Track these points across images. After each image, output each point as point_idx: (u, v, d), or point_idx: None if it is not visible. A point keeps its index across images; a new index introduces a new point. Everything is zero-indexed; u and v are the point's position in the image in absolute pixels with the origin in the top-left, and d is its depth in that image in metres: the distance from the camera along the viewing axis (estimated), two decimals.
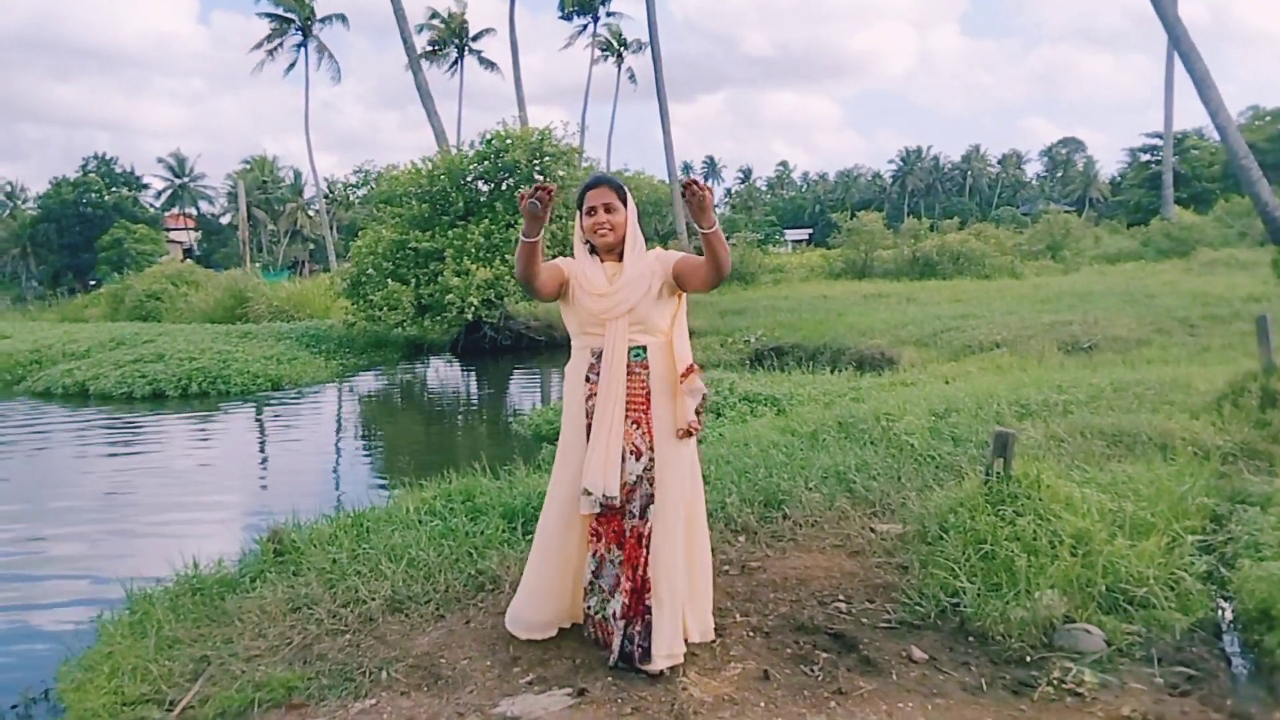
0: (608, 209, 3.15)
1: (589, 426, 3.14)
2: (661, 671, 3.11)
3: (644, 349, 3.12)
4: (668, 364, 3.16)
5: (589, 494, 3.07)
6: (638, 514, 3.13)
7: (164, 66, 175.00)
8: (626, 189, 3.22)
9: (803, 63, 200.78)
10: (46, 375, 16.43)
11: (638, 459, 3.11)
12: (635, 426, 3.11)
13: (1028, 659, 3.23)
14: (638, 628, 3.15)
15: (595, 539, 3.23)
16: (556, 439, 3.37)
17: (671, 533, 3.14)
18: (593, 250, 3.23)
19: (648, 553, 3.13)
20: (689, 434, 3.12)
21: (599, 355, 3.12)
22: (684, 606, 3.24)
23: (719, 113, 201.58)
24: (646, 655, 3.13)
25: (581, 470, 3.14)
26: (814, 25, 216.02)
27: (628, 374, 3.10)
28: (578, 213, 3.23)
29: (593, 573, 3.25)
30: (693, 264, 3.14)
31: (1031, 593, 3.45)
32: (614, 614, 3.19)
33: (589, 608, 3.30)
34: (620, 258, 3.18)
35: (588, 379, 3.16)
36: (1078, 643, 3.26)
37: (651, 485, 3.12)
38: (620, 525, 3.16)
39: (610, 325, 3.09)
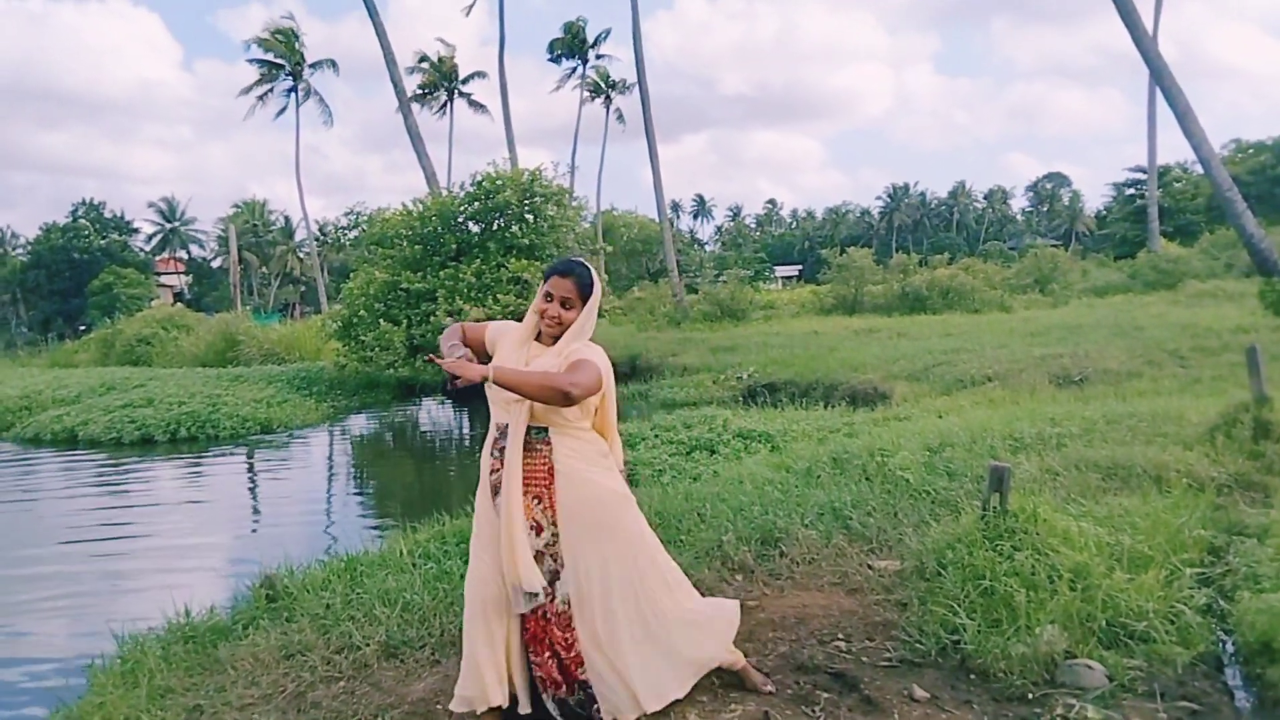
0: (565, 304, 3.04)
1: (495, 505, 3.03)
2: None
3: (545, 429, 3.01)
4: (575, 446, 3.03)
5: (529, 594, 2.94)
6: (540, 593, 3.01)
7: (150, 113, 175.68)
8: (594, 284, 3.09)
9: (783, 103, 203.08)
10: (36, 421, 16.37)
11: (539, 534, 3.00)
12: (536, 501, 3.00)
13: (1030, 696, 3.20)
14: (576, 696, 3.09)
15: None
16: None
17: (602, 602, 3.01)
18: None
19: (572, 631, 3.02)
20: None
21: (503, 431, 3.02)
22: (655, 667, 3.09)
23: (703, 152, 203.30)
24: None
25: (487, 546, 3.05)
26: (791, 67, 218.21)
27: (527, 450, 2.99)
28: (541, 285, 3.11)
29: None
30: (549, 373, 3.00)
31: (1032, 628, 3.43)
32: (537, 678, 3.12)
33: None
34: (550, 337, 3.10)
35: (493, 454, 3.05)
36: (1079, 679, 3.23)
37: (556, 561, 3.02)
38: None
39: (514, 407, 2.97)
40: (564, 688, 3.08)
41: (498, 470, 3.02)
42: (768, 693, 3.25)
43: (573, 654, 3.03)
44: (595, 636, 3.01)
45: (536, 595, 2.94)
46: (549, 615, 3.03)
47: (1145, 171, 45.98)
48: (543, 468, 3.00)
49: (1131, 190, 55.20)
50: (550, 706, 3.10)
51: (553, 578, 3.01)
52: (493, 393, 2.98)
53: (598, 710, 3.04)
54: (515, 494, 2.94)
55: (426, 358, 2.89)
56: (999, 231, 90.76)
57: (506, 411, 3.00)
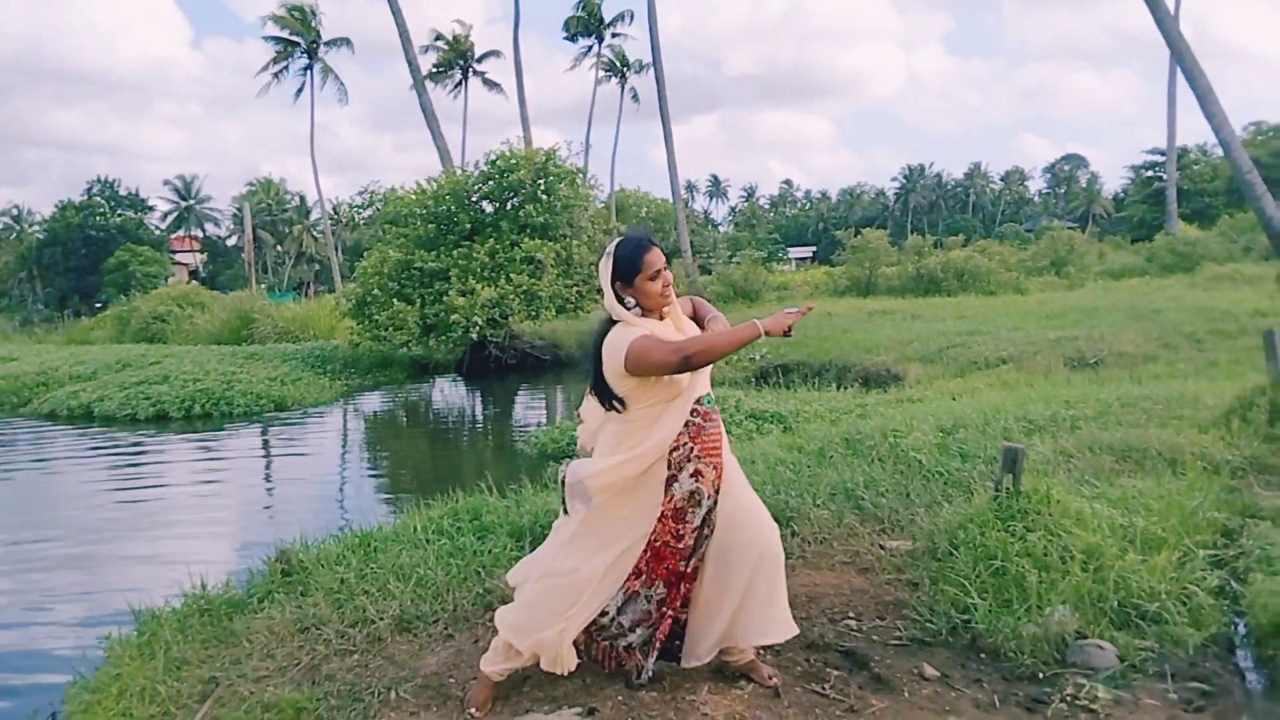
0: (667, 267, 3.07)
1: (682, 471, 3.02)
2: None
3: (711, 395, 3.11)
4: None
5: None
6: (698, 555, 3.10)
7: (161, 91, 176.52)
8: None
9: (792, 83, 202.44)
10: (53, 397, 16.49)
11: (708, 500, 3.06)
12: (714, 470, 3.06)
13: (1040, 675, 3.20)
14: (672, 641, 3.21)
15: (635, 577, 3.08)
16: (563, 458, 3.32)
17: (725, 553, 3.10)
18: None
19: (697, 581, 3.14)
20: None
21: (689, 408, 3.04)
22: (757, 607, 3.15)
23: (713, 132, 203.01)
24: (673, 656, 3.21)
25: (644, 514, 3.05)
26: (800, 46, 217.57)
27: (707, 419, 3.05)
28: (611, 277, 3.03)
29: (616, 608, 3.10)
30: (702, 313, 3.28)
31: (1043, 608, 3.43)
32: (630, 646, 3.13)
33: (600, 639, 3.16)
34: (660, 313, 3.10)
35: (685, 425, 3.04)
36: (1090, 659, 3.23)
37: (711, 528, 3.09)
38: (676, 565, 3.08)
39: (696, 377, 3.02)
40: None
41: (689, 442, 3.03)
42: (772, 684, 3.21)
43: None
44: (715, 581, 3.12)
45: None
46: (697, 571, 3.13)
47: (1164, 153, 45.65)
48: (719, 436, 3.09)
49: (1150, 172, 54.73)
50: (647, 658, 3.17)
51: (707, 541, 3.10)
52: (679, 378, 2.99)
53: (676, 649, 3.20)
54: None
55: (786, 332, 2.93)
56: (1015, 213, 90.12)
57: (682, 385, 3.02)
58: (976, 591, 3.61)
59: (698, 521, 3.05)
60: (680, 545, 3.06)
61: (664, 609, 3.11)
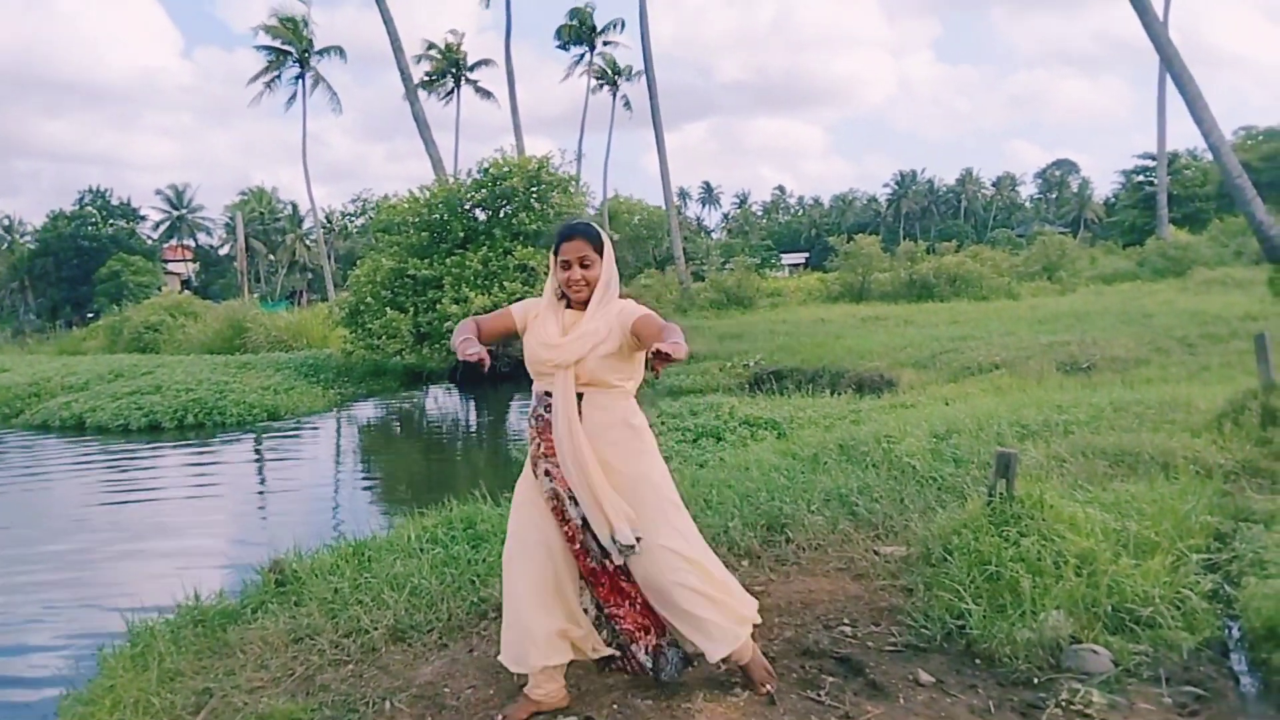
0: (583, 263, 3.03)
1: (538, 468, 3.09)
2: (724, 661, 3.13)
3: (580, 396, 3.01)
4: (605, 412, 3.03)
5: (616, 544, 2.95)
6: (596, 554, 3.06)
7: (151, 101, 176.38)
8: (604, 237, 3.11)
9: (783, 90, 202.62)
10: (45, 408, 16.44)
11: (577, 505, 3.02)
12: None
13: (1035, 680, 3.20)
14: (665, 651, 3.17)
15: (595, 586, 3.16)
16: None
17: (657, 553, 3.00)
18: (562, 295, 3.14)
19: (636, 583, 3.09)
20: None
21: (542, 399, 3.07)
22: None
23: (705, 140, 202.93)
24: (681, 666, 3.19)
25: (532, 518, 3.10)
26: (790, 53, 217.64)
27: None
28: (552, 258, 3.11)
29: (597, 608, 3.20)
30: (652, 329, 2.91)
31: (1037, 614, 3.43)
32: (657, 646, 3.16)
33: (620, 650, 3.23)
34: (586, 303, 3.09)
35: (535, 419, 3.08)
36: (1085, 663, 3.24)
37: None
38: (586, 563, 3.10)
39: (559, 374, 2.99)
40: (652, 631, 3.15)
41: (536, 439, 3.08)
42: (766, 692, 3.17)
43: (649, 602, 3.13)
44: (674, 575, 3.03)
45: (633, 546, 2.95)
46: (610, 570, 3.09)
47: (1154, 158, 45.74)
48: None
49: (1140, 177, 54.82)
50: (645, 660, 3.16)
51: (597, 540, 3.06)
52: (532, 358, 3.04)
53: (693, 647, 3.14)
54: (586, 451, 2.95)
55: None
56: (1007, 219, 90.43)
57: (550, 378, 3.01)
58: (971, 597, 3.62)
59: (579, 520, 3.04)
60: (576, 546, 3.08)
61: (615, 609, 3.12)
